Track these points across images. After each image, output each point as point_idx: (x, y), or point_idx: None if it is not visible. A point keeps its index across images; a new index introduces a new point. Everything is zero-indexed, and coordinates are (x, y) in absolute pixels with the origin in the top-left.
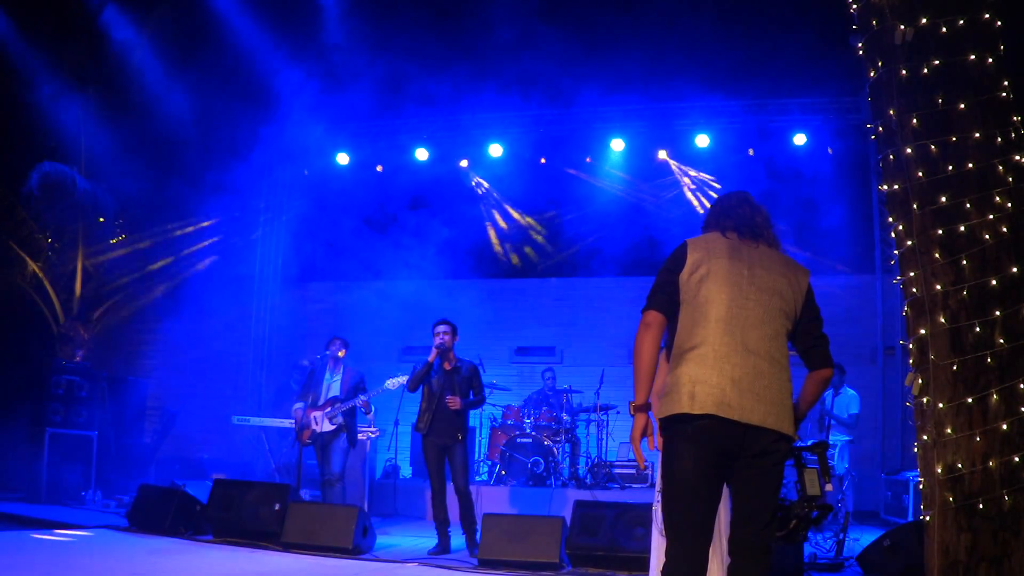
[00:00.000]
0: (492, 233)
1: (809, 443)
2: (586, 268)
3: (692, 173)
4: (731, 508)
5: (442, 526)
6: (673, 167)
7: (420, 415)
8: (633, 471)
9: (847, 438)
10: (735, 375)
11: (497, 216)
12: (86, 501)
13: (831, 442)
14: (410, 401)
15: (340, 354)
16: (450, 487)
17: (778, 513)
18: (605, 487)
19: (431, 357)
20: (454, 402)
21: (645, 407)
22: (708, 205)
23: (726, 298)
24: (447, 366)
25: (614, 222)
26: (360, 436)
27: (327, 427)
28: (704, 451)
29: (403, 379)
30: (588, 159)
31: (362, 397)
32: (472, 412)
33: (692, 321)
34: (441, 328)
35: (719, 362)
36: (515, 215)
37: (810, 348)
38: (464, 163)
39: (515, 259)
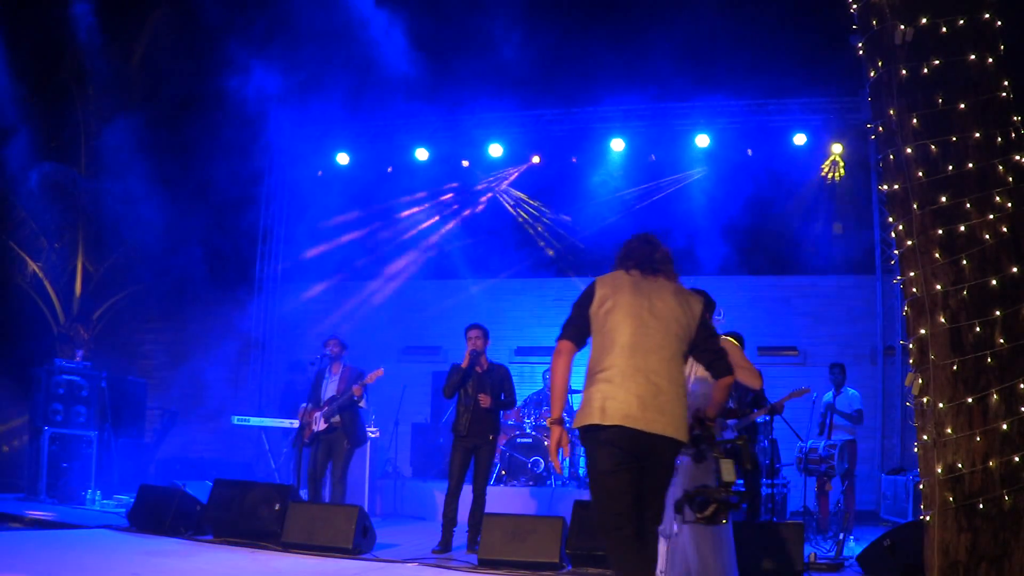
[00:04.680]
0: (490, 233)
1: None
2: (586, 268)
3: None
4: (636, 499)
5: (449, 524)
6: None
7: (458, 417)
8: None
9: (849, 438)
10: (639, 392)
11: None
12: (86, 501)
13: (833, 442)
14: (410, 401)
15: (333, 351)
16: (465, 488)
17: (699, 498)
18: None
19: (464, 363)
20: (485, 399)
21: (560, 421)
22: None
23: (630, 328)
24: (479, 370)
25: (614, 222)
26: None
27: (323, 426)
28: (615, 453)
29: (379, 372)
30: (576, 159)
31: (354, 386)
32: None
33: (602, 348)
34: (473, 333)
35: (625, 382)
36: (512, 214)
37: (713, 362)
38: (465, 163)
39: (515, 259)
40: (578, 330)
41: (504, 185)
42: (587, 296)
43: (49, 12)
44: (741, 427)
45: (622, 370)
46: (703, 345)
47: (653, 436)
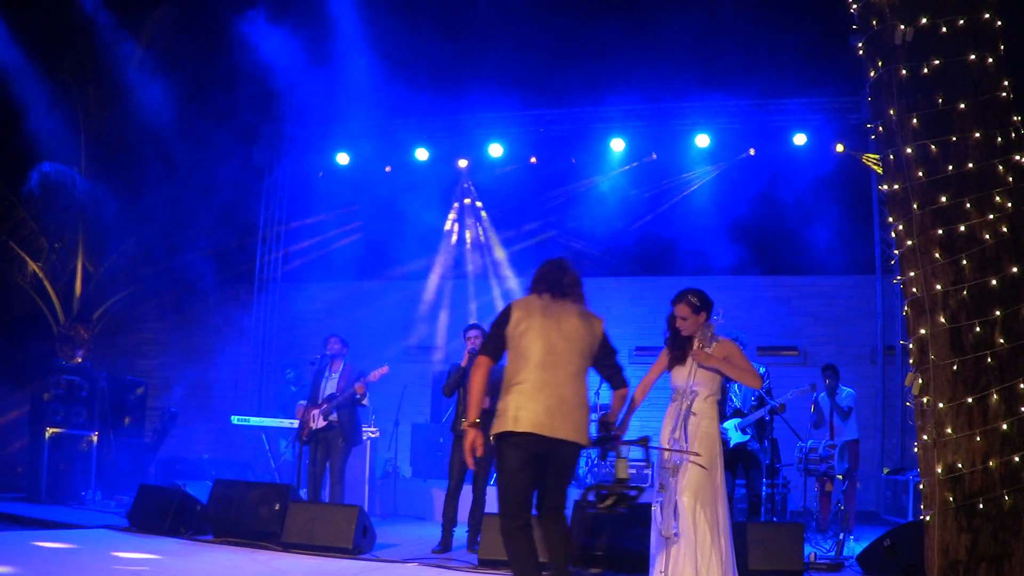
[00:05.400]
0: (491, 233)
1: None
2: (585, 268)
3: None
4: (543, 490)
5: (449, 524)
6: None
7: (457, 417)
8: (633, 471)
9: (850, 438)
10: (548, 403)
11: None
12: (86, 501)
13: (833, 442)
14: (410, 401)
15: (333, 349)
16: (465, 488)
17: (602, 491)
18: None
19: (464, 362)
20: (484, 400)
21: (477, 424)
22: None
23: (540, 347)
24: None
25: (613, 222)
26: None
27: (321, 423)
28: (524, 454)
29: (384, 369)
30: (575, 160)
31: (357, 384)
32: None
33: (516, 363)
34: (473, 333)
35: (536, 394)
36: (511, 215)
37: (611, 375)
38: (463, 163)
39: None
40: (496, 348)
41: (503, 184)
42: (504, 317)
43: (51, 9)
44: (746, 426)
45: (533, 384)
46: (604, 361)
47: (558, 440)
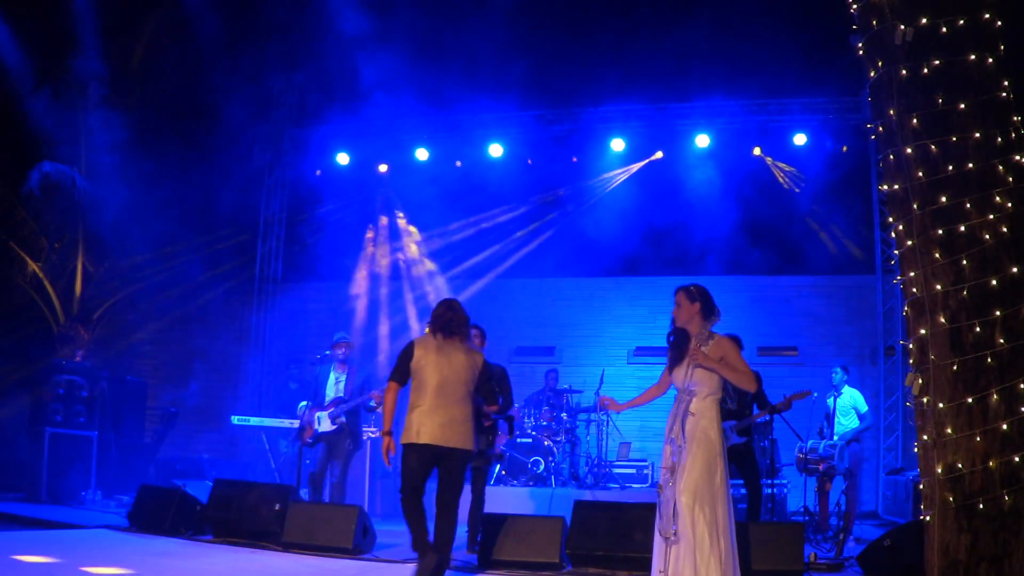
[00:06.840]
0: (488, 232)
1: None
2: (585, 269)
3: None
4: (439, 485)
5: None
6: None
7: None
8: (633, 471)
9: (851, 437)
10: (441, 420)
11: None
12: (86, 501)
13: (833, 442)
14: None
15: (342, 353)
16: (465, 488)
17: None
18: (605, 487)
19: None
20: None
21: (390, 432)
22: None
23: (436, 377)
24: None
25: (612, 223)
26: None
27: (328, 427)
28: (422, 458)
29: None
30: (576, 159)
31: (374, 391)
32: None
33: (417, 389)
34: (472, 332)
35: (432, 413)
36: (510, 213)
37: (486, 396)
38: (459, 163)
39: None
40: (402, 376)
41: (503, 184)
42: (408, 352)
43: (51, 9)
44: (741, 428)
45: (430, 405)
46: (482, 387)
47: (449, 448)
